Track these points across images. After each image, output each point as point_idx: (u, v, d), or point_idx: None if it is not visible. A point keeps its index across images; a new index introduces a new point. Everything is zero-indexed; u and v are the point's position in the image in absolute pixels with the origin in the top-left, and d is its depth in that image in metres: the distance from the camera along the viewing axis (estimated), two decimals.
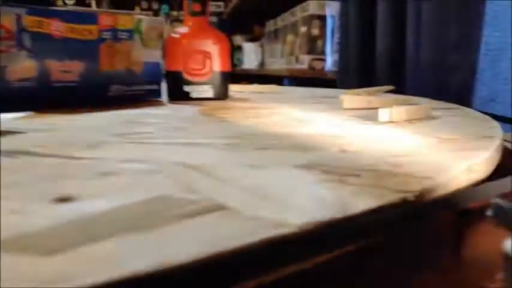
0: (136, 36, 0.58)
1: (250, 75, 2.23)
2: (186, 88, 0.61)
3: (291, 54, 1.81)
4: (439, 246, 0.24)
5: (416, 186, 0.20)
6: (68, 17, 0.52)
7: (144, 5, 3.21)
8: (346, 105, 0.50)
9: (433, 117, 0.44)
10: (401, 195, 0.19)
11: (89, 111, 0.48)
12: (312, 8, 1.60)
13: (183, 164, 0.24)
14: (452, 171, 0.23)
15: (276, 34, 2.12)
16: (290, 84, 1.77)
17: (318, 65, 1.61)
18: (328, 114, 0.47)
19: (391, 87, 0.66)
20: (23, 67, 0.48)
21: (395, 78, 1.04)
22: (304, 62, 1.63)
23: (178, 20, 3.04)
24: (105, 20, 0.55)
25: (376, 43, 1.16)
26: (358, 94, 0.58)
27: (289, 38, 1.85)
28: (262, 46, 2.43)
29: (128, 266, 0.13)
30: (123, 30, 0.57)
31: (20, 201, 0.18)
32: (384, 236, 0.19)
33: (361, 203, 0.18)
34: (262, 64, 2.38)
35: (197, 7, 0.62)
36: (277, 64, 2.04)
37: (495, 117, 0.46)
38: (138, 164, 0.25)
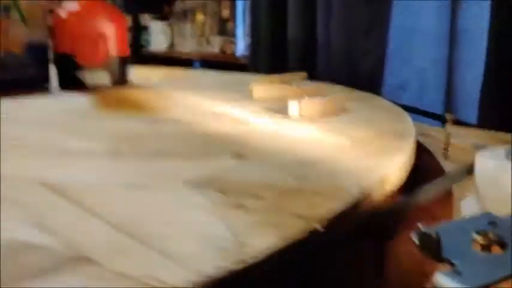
0: (13, 13, 0.50)
1: (159, 57, 2.14)
2: (79, 74, 0.54)
3: (202, 35, 1.77)
4: (361, 268, 0.21)
5: (323, 210, 0.17)
6: None
7: None
8: (256, 94, 0.46)
9: (345, 110, 0.42)
10: (307, 226, 0.16)
11: None
12: None
13: (43, 183, 0.19)
14: (364, 186, 0.20)
15: (185, 13, 2.07)
16: (201, 67, 1.72)
17: (229, 48, 1.59)
18: (235, 106, 0.43)
19: (303, 74, 0.63)
20: None
21: (307, 64, 1.03)
22: (215, 44, 1.60)
23: None
24: None
25: (287, 27, 1.14)
26: (271, 82, 0.55)
27: (199, 18, 1.81)
28: (171, 26, 2.34)
29: None
30: None
31: None
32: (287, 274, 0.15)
33: (260, 242, 0.14)
34: (171, 45, 2.30)
35: None
36: (187, 46, 1.99)
37: (406, 108, 0.45)
38: None
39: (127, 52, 0.56)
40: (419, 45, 0.83)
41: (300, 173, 0.22)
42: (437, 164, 0.36)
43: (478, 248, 0.13)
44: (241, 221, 0.16)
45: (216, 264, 0.13)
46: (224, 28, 1.62)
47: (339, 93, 0.56)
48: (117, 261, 0.13)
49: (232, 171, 0.22)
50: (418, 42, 0.83)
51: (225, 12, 1.61)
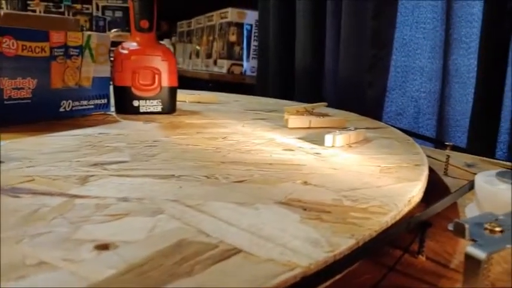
0: (86, 52, 0.59)
1: None
2: (135, 103, 0.63)
3: (208, 57, 1.90)
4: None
5: (376, 223, 0.26)
6: (19, 34, 0.52)
7: None
8: (290, 125, 0.56)
9: (367, 140, 0.51)
10: (368, 232, 0.25)
11: (45, 130, 0.49)
12: (230, 15, 1.70)
13: (179, 202, 0.28)
14: (399, 205, 0.29)
15: (189, 35, 2.20)
16: (211, 85, 1.82)
17: (236, 70, 1.72)
18: (277, 135, 0.52)
19: (324, 103, 0.73)
20: None
21: (314, 90, 1.15)
22: (224, 66, 1.73)
23: (81, 13, 2.99)
24: (56, 37, 0.56)
25: (295, 52, 1.25)
26: (298, 111, 0.64)
27: (206, 41, 1.93)
28: (174, 45, 2.46)
29: None
30: (73, 47, 0.58)
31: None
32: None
33: (339, 240, 0.23)
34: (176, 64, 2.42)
35: (145, 24, 0.64)
36: (186, 64, 2.14)
37: (405, 131, 0.57)
38: (138, 204, 0.28)
39: (176, 84, 0.66)
40: (415, 79, 0.98)
41: (351, 196, 0.31)
42: (440, 178, 0.47)
43: (487, 232, 0.23)
44: (322, 228, 0.25)
45: (321, 253, 0.22)
46: (231, 52, 1.75)
47: (356, 121, 0.66)
48: (260, 252, 0.22)
49: (305, 194, 0.31)
50: (414, 76, 0.98)
51: (232, 38, 1.73)
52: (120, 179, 0.33)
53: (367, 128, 0.59)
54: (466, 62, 0.89)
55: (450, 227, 0.24)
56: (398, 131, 0.60)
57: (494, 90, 0.78)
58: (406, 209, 0.30)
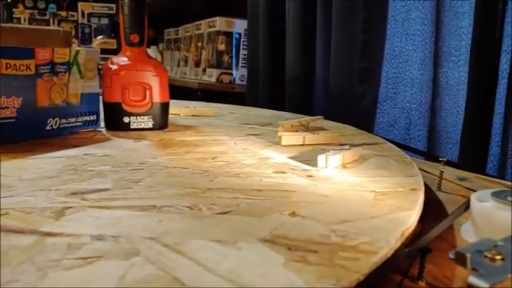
0: (73, 69, 0.58)
1: None
2: (126, 119, 0.62)
3: (197, 65, 1.90)
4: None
5: (365, 264, 0.24)
6: (3, 52, 0.50)
7: (29, 3, 3.09)
8: (284, 142, 0.54)
9: (363, 159, 0.49)
10: (355, 276, 0.23)
11: (29, 151, 0.47)
12: (219, 24, 1.70)
13: (157, 240, 0.27)
14: (391, 242, 0.27)
15: (176, 43, 2.21)
16: (199, 94, 1.80)
17: (225, 78, 1.73)
18: (269, 154, 0.51)
19: (320, 117, 0.71)
20: None
21: (305, 100, 1.14)
22: (213, 75, 1.74)
23: (67, 20, 2.99)
24: (42, 54, 0.54)
25: (285, 62, 1.24)
26: (293, 125, 0.62)
27: (194, 49, 1.93)
28: (161, 53, 2.46)
29: None
30: (60, 63, 0.56)
31: None
32: None
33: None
34: None
35: (135, 38, 0.63)
36: (174, 72, 2.15)
37: (395, 144, 0.56)
38: (113, 243, 0.26)
39: (167, 99, 0.64)
40: (406, 91, 0.98)
41: (341, 230, 0.29)
42: (433, 193, 0.48)
43: (488, 260, 0.22)
44: (307, 272, 0.23)
45: None
46: (220, 61, 1.76)
47: (352, 136, 0.64)
48: None
49: (291, 229, 0.29)
50: (405, 88, 0.98)
51: (221, 47, 1.74)
52: (98, 212, 0.31)
53: (363, 144, 0.58)
54: (456, 74, 0.90)
55: (451, 255, 0.24)
56: (395, 148, 0.58)
57: (484, 103, 0.79)
58: (399, 244, 0.29)
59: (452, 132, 0.90)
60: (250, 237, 0.27)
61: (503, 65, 0.77)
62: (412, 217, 0.32)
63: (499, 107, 0.78)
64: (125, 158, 0.47)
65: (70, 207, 0.32)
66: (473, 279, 0.20)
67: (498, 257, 0.22)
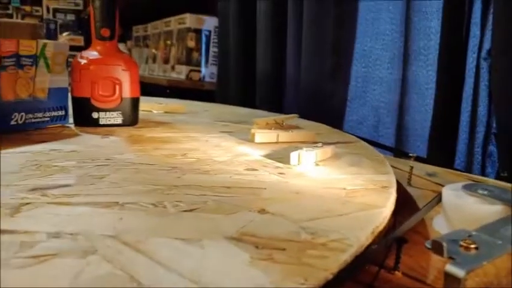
0: (40, 62, 0.56)
1: None
2: (95, 115, 0.60)
3: (166, 62, 1.88)
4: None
5: (333, 263, 0.24)
6: None
7: None
8: (257, 140, 0.53)
9: (336, 157, 0.49)
10: (323, 275, 0.22)
11: None
12: (189, 21, 1.69)
13: (116, 238, 0.25)
14: (361, 239, 0.27)
15: (145, 40, 2.19)
16: (168, 92, 1.78)
17: (195, 76, 1.72)
18: (242, 151, 0.49)
19: (295, 115, 0.71)
20: None
21: (275, 97, 1.14)
22: (182, 72, 1.72)
23: (31, 15, 2.92)
24: (7, 46, 0.52)
25: (256, 59, 1.24)
26: (268, 123, 0.62)
27: (163, 46, 1.91)
28: (130, 50, 2.43)
29: None
30: (26, 56, 0.54)
31: None
32: None
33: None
34: None
35: (106, 32, 0.61)
36: (142, 70, 2.14)
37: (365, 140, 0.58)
38: (70, 241, 0.25)
39: (138, 94, 0.62)
40: (375, 90, 1.00)
41: (310, 228, 0.28)
42: (404, 189, 0.48)
43: (463, 249, 0.23)
44: (273, 270, 0.22)
45: None
46: (190, 58, 1.74)
47: (326, 135, 0.64)
48: None
49: (260, 226, 0.28)
50: (374, 87, 1.00)
51: (191, 44, 1.73)
52: (57, 208, 0.30)
53: (337, 143, 0.57)
54: (425, 73, 0.91)
55: (428, 244, 0.24)
56: (368, 146, 0.58)
57: (452, 102, 0.81)
58: (369, 241, 0.28)
59: (421, 129, 0.91)
60: (215, 235, 0.26)
61: (470, 65, 0.79)
62: (383, 214, 0.31)
63: (466, 105, 0.80)
64: (91, 154, 0.45)
65: (28, 203, 0.30)
66: (450, 267, 0.21)
67: (473, 246, 0.23)
